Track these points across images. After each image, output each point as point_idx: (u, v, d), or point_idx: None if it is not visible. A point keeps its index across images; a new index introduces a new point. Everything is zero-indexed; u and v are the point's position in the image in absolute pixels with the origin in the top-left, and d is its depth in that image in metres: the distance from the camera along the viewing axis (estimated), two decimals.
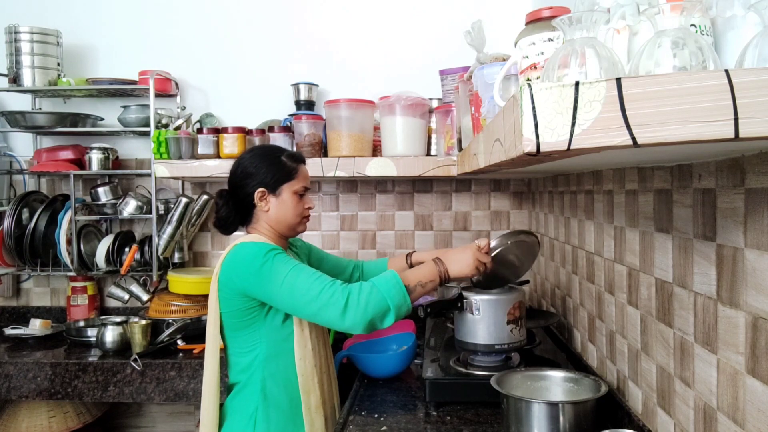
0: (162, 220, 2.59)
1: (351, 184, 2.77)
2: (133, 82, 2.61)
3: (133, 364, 2.15)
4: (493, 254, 1.61)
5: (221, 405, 1.64)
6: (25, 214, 2.62)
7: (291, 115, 2.59)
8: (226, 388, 1.68)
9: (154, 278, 2.57)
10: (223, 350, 1.67)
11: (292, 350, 1.59)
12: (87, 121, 2.64)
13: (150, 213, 2.55)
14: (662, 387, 1.23)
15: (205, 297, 2.44)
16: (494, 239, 1.65)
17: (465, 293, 1.63)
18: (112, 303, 2.78)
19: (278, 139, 2.44)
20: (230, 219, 1.67)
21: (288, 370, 1.59)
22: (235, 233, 1.73)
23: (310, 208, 1.69)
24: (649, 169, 1.27)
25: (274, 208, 1.64)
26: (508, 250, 1.63)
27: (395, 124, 2.35)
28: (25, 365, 2.20)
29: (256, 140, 2.46)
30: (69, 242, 2.55)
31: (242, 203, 1.65)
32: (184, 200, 2.57)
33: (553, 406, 1.25)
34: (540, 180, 2.48)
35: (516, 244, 1.65)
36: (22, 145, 2.81)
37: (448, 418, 1.52)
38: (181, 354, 2.25)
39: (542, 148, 0.63)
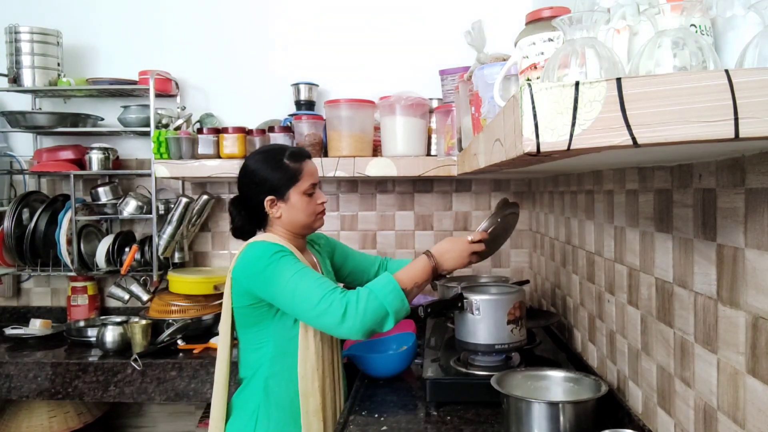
0: (162, 220, 2.59)
1: (351, 184, 2.77)
2: (133, 82, 2.61)
3: (133, 364, 2.15)
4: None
5: (231, 399, 1.67)
6: (26, 214, 2.62)
7: (291, 115, 2.59)
8: (236, 383, 1.71)
9: (155, 278, 2.57)
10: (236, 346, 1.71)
11: (297, 351, 1.60)
12: (87, 121, 2.65)
13: (150, 213, 2.55)
14: (662, 387, 1.23)
15: (206, 297, 2.45)
16: (484, 221, 1.75)
17: (465, 293, 1.63)
18: (112, 303, 2.78)
19: (278, 140, 2.44)
20: (246, 228, 1.70)
21: (291, 371, 1.59)
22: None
23: (323, 203, 1.71)
24: (649, 169, 1.27)
25: (285, 213, 1.65)
26: (498, 226, 1.74)
27: (395, 124, 2.35)
28: (25, 365, 2.20)
29: (257, 140, 2.46)
30: (69, 242, 2.55)
31: (254, 211, 1.67)
32: (184, 200, 2.57)
33: (553, 406, 1.25)
34: (540, 180, 2.48)
35: (503, 218, 1.76)
36: (23, 145, 2.81)
37: (449, 418, 1.52)
38: (181, 354, 2.25)
39: (542, 148, 0.63)
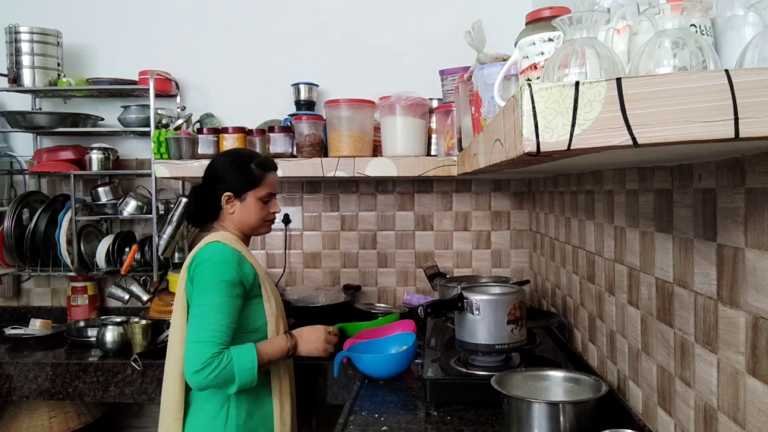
0: (162, 220, 2.59)
1: (351, 184, 2.77)
2: (133, 82, 2.61)
3: (133, 364, 2.15)
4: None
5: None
6: (26, 214, 2.62)
7: (291, 115, 2.59)
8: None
9: (155, 278, 2.57)
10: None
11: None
12: (87, 122, 2.64)
13: (150, 213, 2.55)
14: (663, 387, 1.23)
15: None
16: None
17: (465, 293, 1.63)
18: (112, 303, 2.78)
19: (278, 139, 2.44)
20: (199, 216, 1.84)
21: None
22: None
23: (274, 213, 1.84)
24: (649, 169, 1.27)
25: (238, 211, 1.78)
26: None
27: (395, 124, 2.35)
28: (25, 366, 2.20)
29: (256, 140, 2.46)
30: (69, 242, 2.55)
31: (210, 202, 1.79)
32: (184, 200, 2.56)
33: (553, 406, 1.25)
34: (540, 180, 2.48)
35: None
36: (23, 146, 2.81)
37: (449, 418, 1.52)
38: None
39: (542, 148, 0.63)
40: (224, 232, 1.78)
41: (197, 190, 1.84)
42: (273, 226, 1.90)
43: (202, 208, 1.82)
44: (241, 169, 1.78)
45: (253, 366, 1.59)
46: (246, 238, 1.85)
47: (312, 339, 1.78)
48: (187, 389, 1.70)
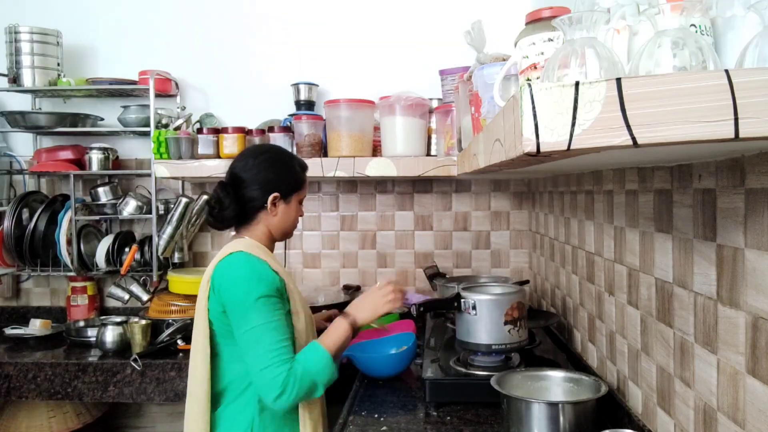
0: (162, 220, 2.59)
1: (351, 185, 2.77)
2: (133, 82, 2.61)
3: (133, 364, 2.15)
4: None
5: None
6: (25, 214, 2.62)
7: (291, 115, 2.59)
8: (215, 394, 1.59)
9: (154, 278, 2.57)
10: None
11: None
12: (87, 121, 2.64)
13: (150, 213, 2.55)
14: (662, 387, 1.23)
15: None
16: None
17: (463, 293, 1.63)
18: (112, 303, 2.77)
19: (278, 139, 2.44)
20: (231, 218, 1.61)
21: None
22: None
23: (300, 216, 1.72)
24: (649, 169, 1.27)
25: (281, 214, 1.63)
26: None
27: (395, 124, 2.35)
28: (25, 365, 2.20)
29: (256, 140, 2.46)
30: (69, 242, 2.55)
31: (249, 203, 1.60)
32: (184, 200, 2.57)
33: (553, 406, 1.25)
34: (540, 180, 2.48)
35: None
36: (22, 145, 2.81)
37: (448, 418, 1.52)
38: (181, 354, 2.24)
39: (542, 148, 0.63)
40: (248, 239, 1.61)
41: (229, 189, 1.59)
42: None
43: (234, 208, 1.59)
44: (288, 169, 1.62)
45: (327, 359, 1.47)
46: (272, 244, 1.68)
47: (367, 306, 1.60)
48: (212, 410, 1.55)
